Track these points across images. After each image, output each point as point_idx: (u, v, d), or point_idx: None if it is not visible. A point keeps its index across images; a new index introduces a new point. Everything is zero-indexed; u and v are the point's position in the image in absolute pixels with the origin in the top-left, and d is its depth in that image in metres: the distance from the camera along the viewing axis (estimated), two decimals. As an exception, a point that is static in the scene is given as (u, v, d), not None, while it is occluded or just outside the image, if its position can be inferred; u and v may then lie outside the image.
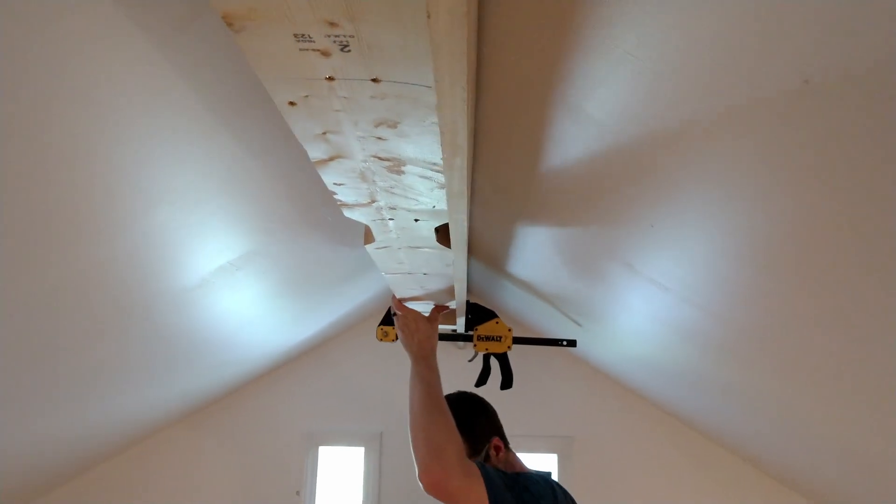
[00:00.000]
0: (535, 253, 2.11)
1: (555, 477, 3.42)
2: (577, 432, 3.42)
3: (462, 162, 0.82)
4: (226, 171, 1.36)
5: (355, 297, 3.00)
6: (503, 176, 1.65)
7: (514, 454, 1.76)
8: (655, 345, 2.27)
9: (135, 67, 0.97)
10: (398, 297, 1.99)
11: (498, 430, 1.78)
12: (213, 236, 1.63)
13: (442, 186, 1.11)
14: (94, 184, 1.18)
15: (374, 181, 1.10)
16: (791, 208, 1.04)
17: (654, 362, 2.57)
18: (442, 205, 1.22)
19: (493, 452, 1.69)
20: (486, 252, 2.48)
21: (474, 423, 1.75)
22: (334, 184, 1.11)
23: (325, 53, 0.69)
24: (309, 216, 1.85)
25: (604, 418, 3.43)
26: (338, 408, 3.45)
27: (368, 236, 1.48)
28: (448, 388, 3.42)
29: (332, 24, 0.64)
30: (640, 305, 1.92)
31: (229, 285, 1.97)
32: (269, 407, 3.45)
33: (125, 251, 1.42)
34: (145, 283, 1.66)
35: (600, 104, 1.05)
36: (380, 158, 0.99)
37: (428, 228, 1.37)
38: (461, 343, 3.17)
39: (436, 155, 0.97)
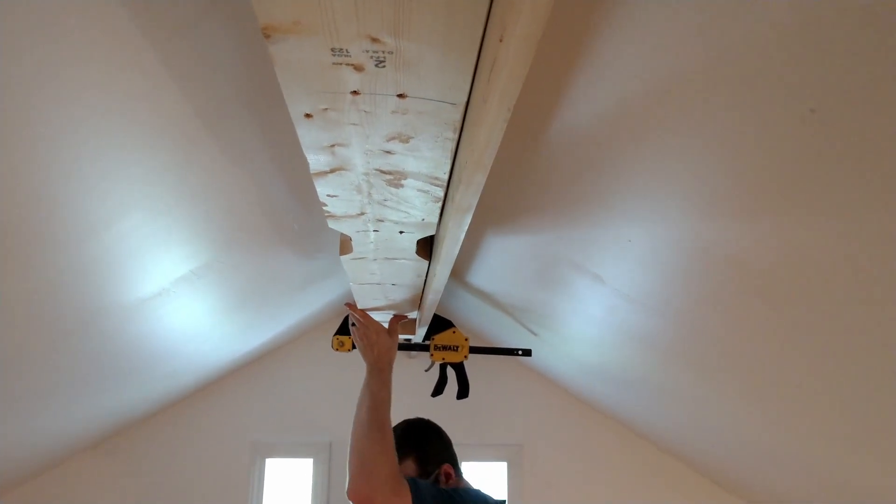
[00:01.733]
0: (498, 263, 2.13)
1: (504, 485, 3.45)
2: (526, 440, 3.46)
3: (482, 178, 0.82)
4: (202, 178, 1.32)
5: (306, 308, 2.96)
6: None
7: (466, 482, 1.76)
8: (609, 353, 2.33)
9: (118, 73, 0.93)
10: (360, 307, 1.98)
11: (451, 458, 1.78)
12: (178, 244, 1.58)
13: (437, 200, 1.12)
14: (67, 189, 1.12)
15: (369, 194, 1.09)
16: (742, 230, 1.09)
17: (605, 370, 2.63)
18: (432, 217, 1.22)
19: (442, 478, 1.70)
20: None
21: (428, 446, 1.77)
22: (327, 195, 1.10)
23: (358, 68, 0.69)
24: (275, 225, 1.81)
25: (553, 426, 3.48)
26: (285, 418, 3.38)
27: (346, 247, 1.46)
28: (405, 398, 3.40)
29: (374, 40, 0.64)
30: (600, 314, 1.96)
31: (186, 294, 1.91)
32: (213, 418, 3.35)
33: (92, 258, 1.36)
34: (103, 293, 1.59)
35: (589, 118, 1.07)
36: (382, 172, 0.99)
37: (410, 240, 1.37)
38: (413, 353, 3.17)
39: (440, 169, 0.97)
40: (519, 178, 1.43)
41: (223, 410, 3.36)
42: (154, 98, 1.01)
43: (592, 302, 1.84)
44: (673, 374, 2.11)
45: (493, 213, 1.73)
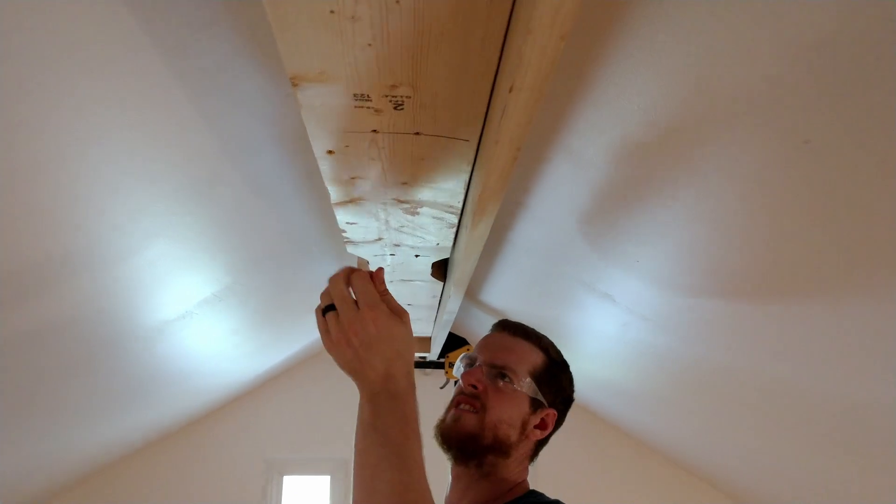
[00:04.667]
0: (510, 282, 2.17)
1: None
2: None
3: (495, 207, 0.87)
4: (226, 208, 1.38)
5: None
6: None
7: None
8: (621, 369, 2.36)
9: (149, 112, 0.99)
10: None
11: None
12: (201, 269, 1.64)
13: (452, 226, 1.17)
14: (99, 218, 1.18)
15: (386, 221, 1.14)
16: (759, 242, 1.13)
17: (615, 385, 2.66)
18: (446, 242, 1.27)
19: None
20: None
21: None
22: (347, 223, 1.15)
23: (378, 111, 0.74)
24: (294, 249, 1.87)
25: (565, 440, 3.49)
26: (302, 435, 3.42)
27: (365, 267, 1.52)
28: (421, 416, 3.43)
29: (393, 87, 0.69)
30: (612, 331, 1.99)
31: (208, 316, 1.97)
32: (230, 436, 3.40)
33: (120, 283, 1.42)
34: (131, 317, 1.65)
35: (598, 149, 1.12)
36: (399, 201, 1.04)
37: (425, 263, 1.42)
38: (429, 370, 3.22)
39: (455, 198, 1.02)
40: (529, 201, 1.48)
41: (240, 428, 3.41)
42: (181, 135, 1.07)
43: (603, 320, 1.88)
44: (685, 389, 2.14)
45: (504, 236, 1.78)
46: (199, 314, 1.87)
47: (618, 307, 1.71)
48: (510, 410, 1.08)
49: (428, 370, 3.22)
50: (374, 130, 0.80)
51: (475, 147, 0.83)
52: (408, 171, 0.92)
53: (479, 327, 2.99)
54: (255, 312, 2.25)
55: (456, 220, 1.13)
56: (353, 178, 0.95)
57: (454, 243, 1.27)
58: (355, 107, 0.73)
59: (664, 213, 1.19)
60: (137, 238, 1.31)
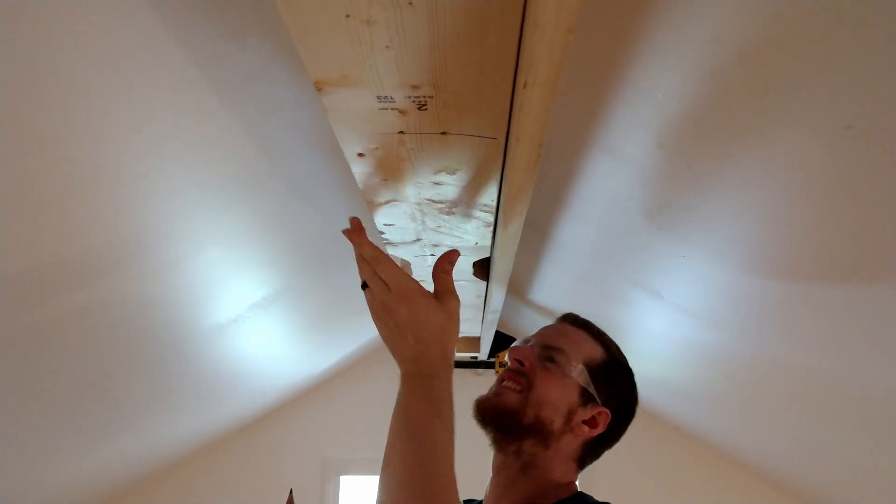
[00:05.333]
0: (558, 281, 2.15)
1: None
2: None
3: (524, 207, 0.87)
4: (271, 212, 1.41)
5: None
6: (532, 209, 1.70)
7: None
8: (671, 366, 2.31)
9: (191, 123, 1.02)
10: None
11: None
12: (251, 273, 1.68)
13: (488, 225, 1.16)
14: (151, 225, 1.23)
15: (423, 221, 1.14)
16: (812, 235, 1.09)
17: (668, 383, 2.60)
18: (485, 241, 1.27)
19: None
20: (509, 280, 2.52)
21: None
22: (384, 224, 1.16)
23: (403, 112, 0.75)
24: (340, 251, 1.89)
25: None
26: (359, 435, 3.46)
27: (407, 270, 1.53)
28: (464, 417, 3.43)
29: (415, 87, 0.69)
30: (661, 329, 1.96)
31: (260, 319, 2.01)
32: (288, 436, 3.47)
33: (174, 288, 1.47)
34: (185, 320, 1.70)
35: (637, 144, 1.10)
36: (433, 201, 1.04)
37: (467, 263, 1.42)
38: (480, 370, 3.22)
39: (488, 197, 1.02)
40: (571, 199, 1.47)
41: (297, 428, 3.48)
42: (222, 142, 1.10)
43: (652, 317, 1.85)
44: (736, 386, 2.08)
45: (550, 233, 1.77)
46: (251, 318, 1.92)
47: (665, 304, 1.67)
48: (557, 393, 1.00)
49: (479, 370, 3.22)
50: (401, 132, 0.80)
51: (503, 145, 0.83)
52: (439, 172, 0.92)
53: (529, 326, 2.98)
54: (308, 314, 2.29)
55: (492, 219, 1.13)
56: (385, 180, 0.96)
57: (493, 242, 1.26)
58: (380, 109, 0.74)
59: (705, 206, 1.16)
60: (187, 244, 1.36)
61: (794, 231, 1.10)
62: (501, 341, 2.72)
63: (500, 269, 1.24)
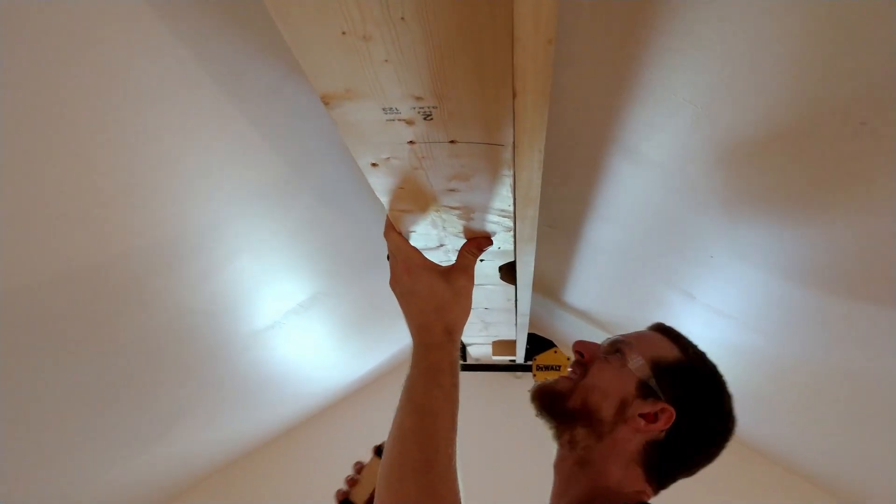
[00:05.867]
0: (592, 283, 2.14)
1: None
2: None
3: (534, 212, 0.88)
4: (299, 220, 1.44)
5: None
6: (559, 212, 1.70)
7: None
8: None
9: (216, 138, 1.06)
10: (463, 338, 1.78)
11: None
12: (284, 280, 1.72)
13: (508, 230, 1.17)
14: (185, 237, 1.27)
15: (443, 227, 1.16)
16: (842, 236, 1.07)
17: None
18: (507, 245, 1.27)
19: None
20: (543, 283, 2.52)
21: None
22: (408, 231, 1.18)
23: (409, 122, 0.76)
24: (370, 255, 1.92)
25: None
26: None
27: (485, 242, 1.54)
28: (510, 420, 3.41)
29: (418, 98, 0.71)
30: (696, 330, 1.93)
31: (297, 325, 2.06)
32: (328, 441, 3.52)
33: (208, 297, 1.52)
34: (223, 327, 1.75)
35: (658, 146, 1.10)
36: (451, 207, 1.06)
37: (492, 267, 1.43)
38: (519, 373, 3.21)
39: (504, 202, 1.03)
40: (597, 202, 1.46)
41: (339, 433, 3.53)
42: (249, 155, 1.14)
43: (685, 318, 1.82)
44: (778, 387, 2.03)
45: (581, 236, 1.76)
46: (287, 324, 1.96)
47: (697, 304, 1.65)
48: (609, 381, 0.98)
49: (518, 373, 3.21)
50: (411, 141, 0.82)
51: (511, 151, 0.84)
52: (452, 179, 0.94)
53: (565, 329, 2.97)
54: (344, 319, 2.33)
55: (511, 224, 1.14)
56: (401, 188, 0.98)
57: (514, 246, 1.27)
58: (387, 120, 0.76)
59: (730, 207, 1.15)
60: (221, 253, 1.40)
61: (824, 233, 1.08)
62: (539, 344, 2.71)
63: (522, 273, 1.24)
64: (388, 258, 1.08)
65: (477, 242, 1.13)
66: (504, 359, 2.75)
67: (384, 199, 1.02)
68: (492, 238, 1.16)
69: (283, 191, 1.30)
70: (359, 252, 1.86)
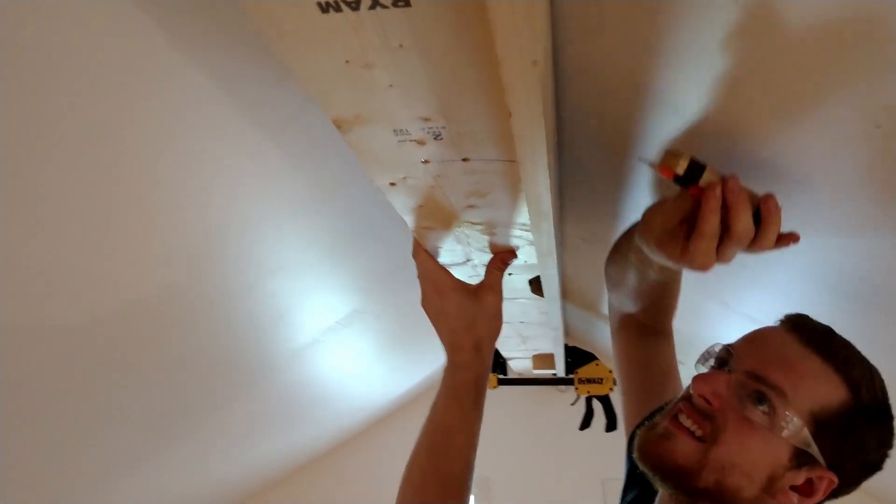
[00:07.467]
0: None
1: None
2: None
3: (549, 226, 0.89)
4: (329, 241, 1.48)
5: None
6: (591, 226, 1.70)
7: None
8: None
9: (245, 161, 1.10)
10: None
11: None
12: (319, 300, 1.76)
13: (532, 243, 1.18)
14: (222, 259, 1.32)
15: (468, 243, 1.18)
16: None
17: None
18: (533, 259, 1.28)
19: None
20: (580, 296, 2.51)
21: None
22: (434, 247, 1.20)
23: (421, 143, 0.79)
24: (404, 273, 1.95)
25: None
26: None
27: (510, 257, 1.56)
28: (554, 433, 3.38)
29: (426, 120, 0.73)
30: (733, 337, 1.89)
31: (335, 343, 2.10)
32: (373, 459, 3.54)
33: (244, 317, 1.57)
34: (261, 347, 1.80)
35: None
36: (473, 223, 1.07)
37: (521, 281, 1.44)
38: (563, 387, 3.19)
39: (524, 217, 1.05)
40: (625, 210, 1.46)
41: (381, 451, 3.55)
42: (277, 178, 1.18)
43: (723, 328, 1.79)
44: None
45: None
46: (325, 341, 2.00)
47: (732, 313, 1.63)
48: (755, 455, 0.75)
49: (562, 387, 3.19)
50: (425, 161, 0.84)
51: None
52: (469, 195, 0.96)
53: (606, 341, 2.94)
54: (383, 336, 2.36)
55: (533, 238, 1.15)
56: (421, 206, 1.00)
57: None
58: (399, 141, 0.79)
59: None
60: (258, 273, 1.45)
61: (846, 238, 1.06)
62: (579, 357, 2.69)
63: (548, 286, 1.25)
64: (418, 278, 1.10)
65: (502, 257, 1.13)
66: (546, 372, 2.74)
67: (407, 218, 1.05)
68: (516, 252, 1.18)
69: (311, 214, 1.33)
70: (390, 271, 1.89)
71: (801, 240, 1.18)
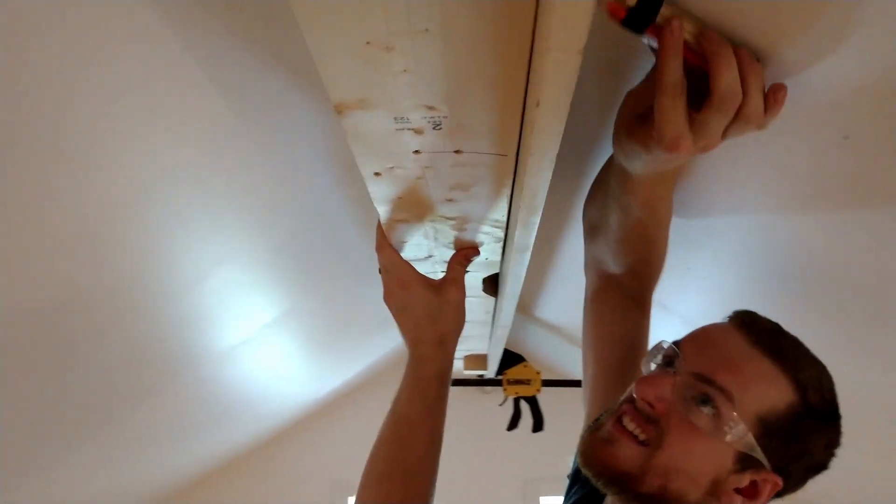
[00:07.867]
0: (567, 296, 2.17)
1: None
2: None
3: (537, 220, 0.90)
4: (286, 233, 1.44)
5: (386, 345, 3.06)
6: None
7: None
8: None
9: (212, 151, 1.06)
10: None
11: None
12: (261, 294, 1.71)
13: (498, 241, 1.20)
14: (164, 248, 1.26)
15: (435, 238, 1.18)
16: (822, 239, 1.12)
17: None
18: (495, 256, 1.30)
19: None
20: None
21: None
22: (398, 242, 1.19)
23: (418, 132, 0.78)
24: (350, 269, 1.92)
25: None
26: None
27: (473, 252, 1.56)
28: (478, 433, 3.42)
29: (430, 108, 0.73)
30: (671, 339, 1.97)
31: (270, 341, 2.04)
32: (296, 458, 3.48)
33: (174, 313, 1.50)
34: (193, 344, 1.73)
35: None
36: (447, 218, 1.07)
37: (476, 279, 1.45)
38: (488, 388, 3.23)
39: (500, 213, 1.06)
40: (575, 210, 1.50)
41: (306, 450, 3.49)
42: (242, 167, 1.14)
43: (658, 328, 1.87)
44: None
45: (556, 248, 1.79)
46: (258, 339, 1.95)
47: (670, 314, 1.70)
48: (699, 459, 0.75)
49: (487, 388, 3.23)
50: (416, 151, 0.84)
51: (514, 161, 0.86)
52: (452, 189, 0.96)
53: (536, 344, 3.00)
54: (317, 334, 2.32)
55: (502, 234, 1.16)
56: (400, 198, 0.99)
57: (502, 257, 1.29)
58: (396, 129, 0.78)
59: (701, 218, 1.19)
60: (203, 266, 1.39)
61: (799, 243, 1.13)
62: (508, 358, 2.73)
63: (511, 285, 1.26)
64: (380, 272, 1.09)
65: (465, 253, 1.14)
66: (473, 373, 2.76)
67: (382, 209, 1.04)
68: (479, 248, 1.18)
69: (271, 204, 1.29)
70: (338, 267, 1.86)
71: (734, 244, 1.24)
